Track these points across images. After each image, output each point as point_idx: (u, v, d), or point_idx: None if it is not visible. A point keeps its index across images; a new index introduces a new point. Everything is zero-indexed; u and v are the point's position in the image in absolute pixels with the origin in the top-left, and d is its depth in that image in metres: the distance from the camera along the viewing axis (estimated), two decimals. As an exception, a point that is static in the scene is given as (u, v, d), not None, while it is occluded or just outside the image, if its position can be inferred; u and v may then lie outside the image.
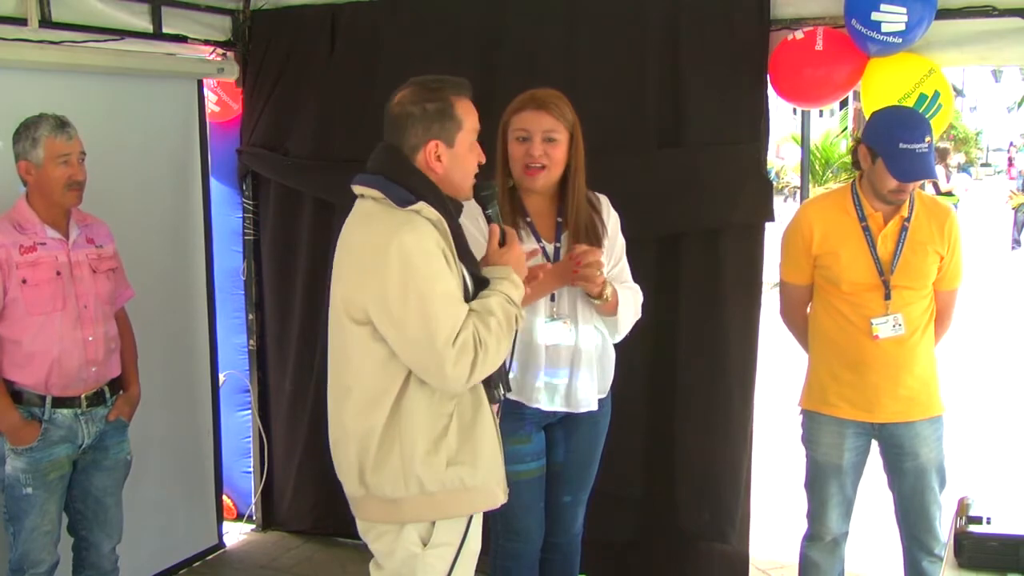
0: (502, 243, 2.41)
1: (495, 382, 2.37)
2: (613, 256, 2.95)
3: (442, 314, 2.15)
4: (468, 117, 2.30)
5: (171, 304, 4.04)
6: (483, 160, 2.36)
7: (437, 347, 2.13)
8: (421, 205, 2.20)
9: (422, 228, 2.18)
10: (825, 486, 3.15)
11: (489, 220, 2.43)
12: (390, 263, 2.14)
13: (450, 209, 2.28)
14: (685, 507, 3.73)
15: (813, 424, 3.17)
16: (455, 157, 2.28)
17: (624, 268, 3.01)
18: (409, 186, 2.23)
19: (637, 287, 3.01)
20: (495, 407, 2.40)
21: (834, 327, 3.05)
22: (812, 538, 3.24)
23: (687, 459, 3.71)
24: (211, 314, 4.32)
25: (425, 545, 2.28)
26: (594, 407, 2.91)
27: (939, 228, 3.00)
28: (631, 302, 2.91)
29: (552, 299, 2.82)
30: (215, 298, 4.34)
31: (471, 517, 2.36)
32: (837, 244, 3.00)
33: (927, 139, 2.83)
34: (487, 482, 2.32)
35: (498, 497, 2.36)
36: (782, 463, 5.19)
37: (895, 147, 2.83)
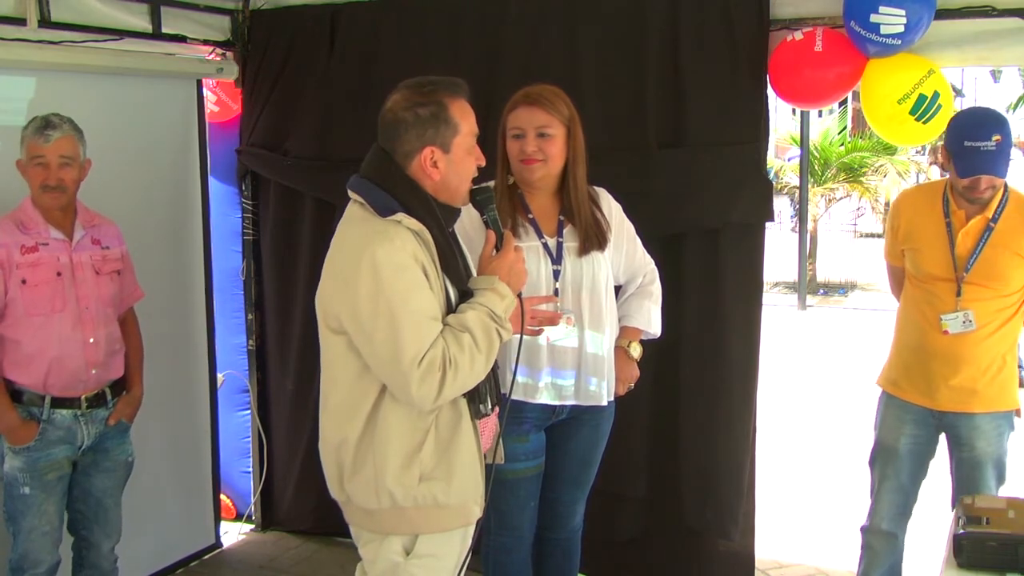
0: (499, 248, 2.31)
1: (481, 397, 2.26)
2: (624, 248, 3.00)
3: (410, 332, 2.07)
4: (465, 120, 2.21)
5: (169, 303, 4.03)
6: (482, 163, 2.29)
7: (403, 366, 2.07)
8: (401, 216, 2.14)
9: (397, 239, 2.11)
10: (879, 466, 3.27)
11: (486, 225, 2.35)
12: (362, 275, 2.09)
13: (440, 219, 2.21)
14: (688, 505, 3.73)
15: (881, 403, 3.28)
16: (452, 163, 2.20)
17: (638, 253, 3.07)
18: (395, 194, 2.18)
19: (652, 268, 3.09)
20: (484, 421, 2.32)
21: (908, 314, 3.18)
22: (867, 527, 3.33)
23: (689, 457, 3.72)
24: (209, 314, 4.32)
25: (408, 554, 2.24)
26: (603, 402, 2.93)
27: None
28: (651, 311, 3.04)
29: (556, 294, 2.83)
30: (213, 298, 4.34)
31: (467, 531, 2.31)
32: (920, 236, 3.12)
33: (995, 137, 2.89)
34: (462, 500, 2.24)
35: (474, 513, 2.28)
36: (784, 466, 5.21)
37: (961, 145, 2.94)
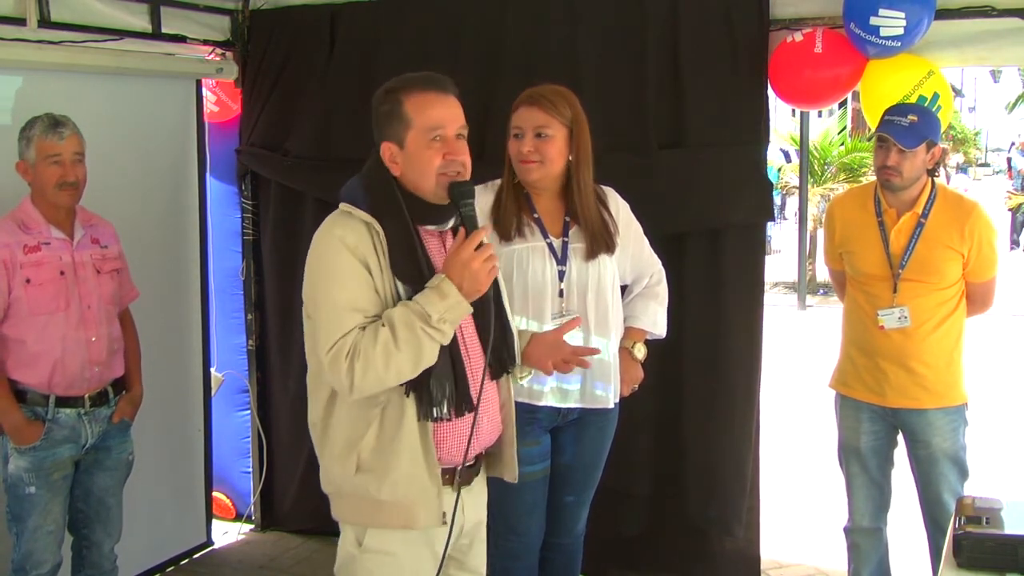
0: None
1: (434, 400, 2.17)
2: (630, 249, 2.98)
3: (325, 320, 2.13)
4: (420, 114, 2.18)
5: (165, 302, 4.04)
6: (456, 156, 2.20)
7: (318, 352, 2.14)
8: (350, 207, 2.20)
9: (337, 229, 2.16)
10: (846, 465, 3.33)
11: (461, 221, 2.24)
12: (309, 262, 2.19)
13: (404, 213, 2.19)
14: (692, 502, 3.75)
15: (836, 404, 3.35)
16: (408, 157, 2.20)
17: (644, 253, 3.05)
18: (367, 187, 2.23)
19: (659, 268, 3.07)
20: (446, 426, 2.22)
21: (852, 314, 3.25)
22: (850, 528, 3.38)
23: (693, 454, 3.73)
24: (204, 313, 4.32)
25: (360, 546, 2.26)
26: (609, 405, 2.92)
27: (959, 227, 3.09)
28: (657, 313, 3.03)
29: (560, 295, 2.82)
30: (209, 297, 4.35)
31: (429, 536, 2.24)
32: (854, 237, 3.22)
33: (911, 117, 3.02)
34: (400, 500, 2.18)
35: (419, 518, 2.20)
36: (784, 466, 5.21)
37: (882, 119, 3.09)
